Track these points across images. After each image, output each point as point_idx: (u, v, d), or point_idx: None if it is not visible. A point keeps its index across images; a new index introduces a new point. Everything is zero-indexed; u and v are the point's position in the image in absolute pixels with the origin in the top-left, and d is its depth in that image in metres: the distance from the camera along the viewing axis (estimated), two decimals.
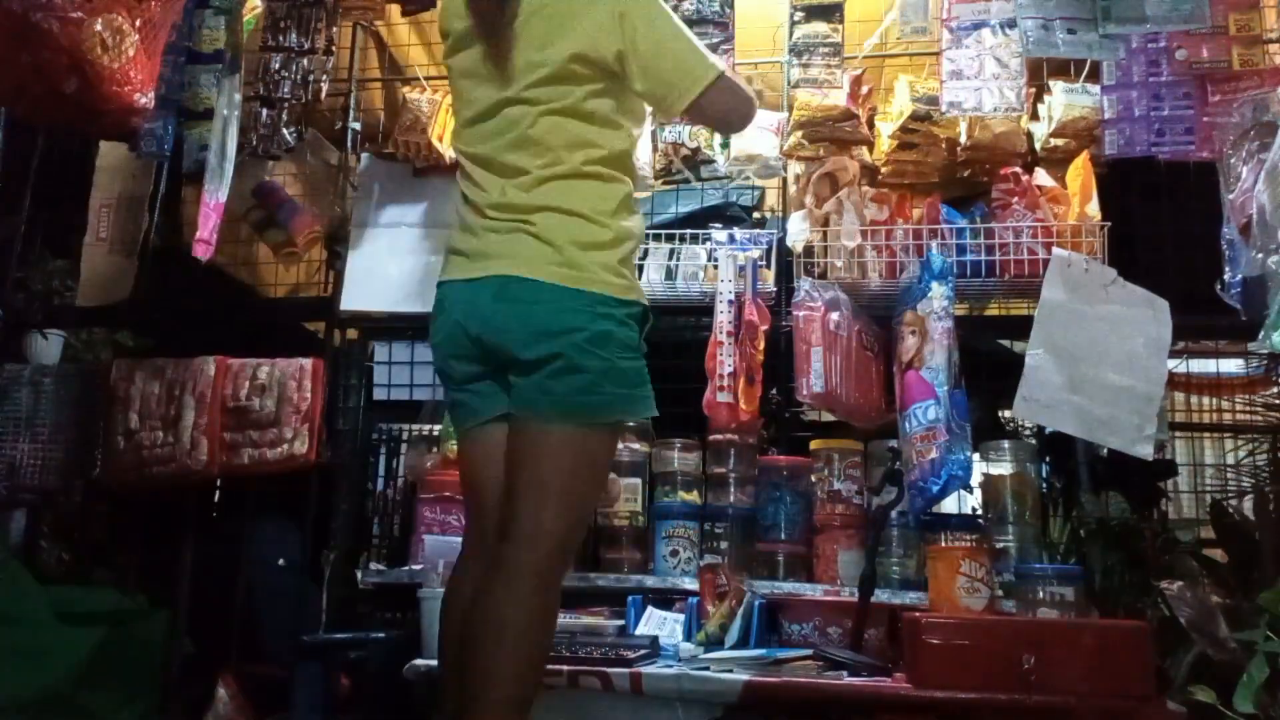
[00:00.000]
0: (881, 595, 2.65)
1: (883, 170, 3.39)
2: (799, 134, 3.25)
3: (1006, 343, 3.32)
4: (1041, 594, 2.36)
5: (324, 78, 3.48)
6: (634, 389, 2.01)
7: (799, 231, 3.15)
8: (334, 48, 3.52)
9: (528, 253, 2.01)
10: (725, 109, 2.19)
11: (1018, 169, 3.11)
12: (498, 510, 2.02)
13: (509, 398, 2.04)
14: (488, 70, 2.11)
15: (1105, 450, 2.94)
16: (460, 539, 2.77)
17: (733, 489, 3.04)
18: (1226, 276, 2.72)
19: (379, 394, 3.74)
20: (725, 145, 3.36)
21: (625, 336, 2.01)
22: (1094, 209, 2.98)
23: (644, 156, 3.37)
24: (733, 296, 3.01)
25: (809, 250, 3.11)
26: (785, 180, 3.48)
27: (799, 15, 3.24)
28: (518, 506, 1.94)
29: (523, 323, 1.98)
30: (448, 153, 3.51)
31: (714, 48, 3.15)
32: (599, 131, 2.08)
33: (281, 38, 3.46)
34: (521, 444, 1.99)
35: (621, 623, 2.66)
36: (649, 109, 2.26)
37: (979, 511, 2.94)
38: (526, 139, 2.06)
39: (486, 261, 2.05)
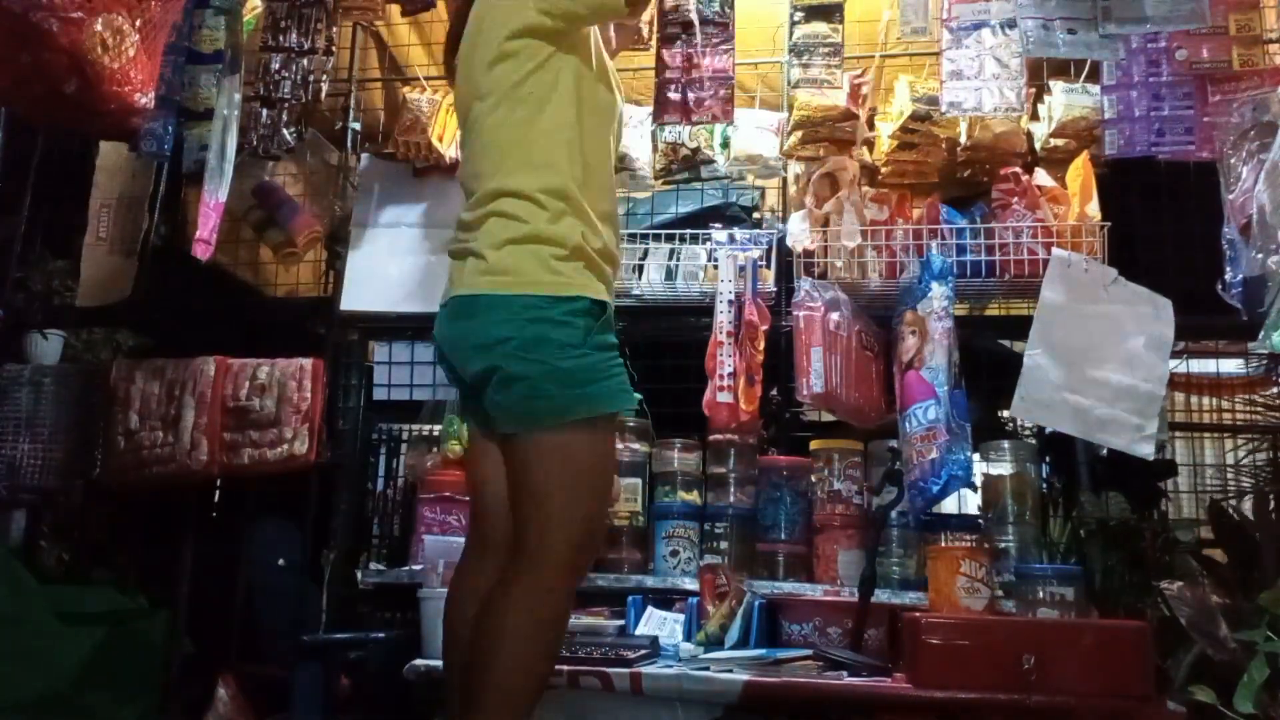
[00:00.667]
0: (881, 595, 2.65)
1: (883, 170, 3.39)
2: (799, 134, 3.25)
3: (1006, 343, 3.32)
4: (1041, 594, 2.37)
5: (324, 78, 3.48)
6: (584, 387, 1.93)
7: (799, 231, 3.15)
8: (334, 48, 3.52)
9: (467, 269, 2.01)
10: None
11: (1018, 169, 3.11)
12: (496, 517, 2.03)
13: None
14: None
15: (1105, 450, 2.93)
16: (460, 539, 2.80)
17: (733, 489, 3.04)
18: (1226, 276, 2.72)
19: (379, 394, 3.74)
20: (725, 145, 3.36)
21: (564, 336, 1.93)
22: (1094, 209, 2.98)
23: (643, 156, 3.38)
24: (733, 297, 3.01)
25: (809, 250, 3.11)
26: (785, 180, 3.48)
27: (799, 15, 3.23)
28: (518, 522, 1.94)
29: (464, 341, 2.00)
30: (448, 153, 3.51)
31: (714, 48, 3.15)
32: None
33: (281, 38, 3.46)
34: (506, 460, 1.99)
35: (621, 623, 2.67)
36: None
37: (979, 511, 2.94)
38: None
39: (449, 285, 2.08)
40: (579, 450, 1.93)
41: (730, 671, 2.16)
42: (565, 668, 2.20)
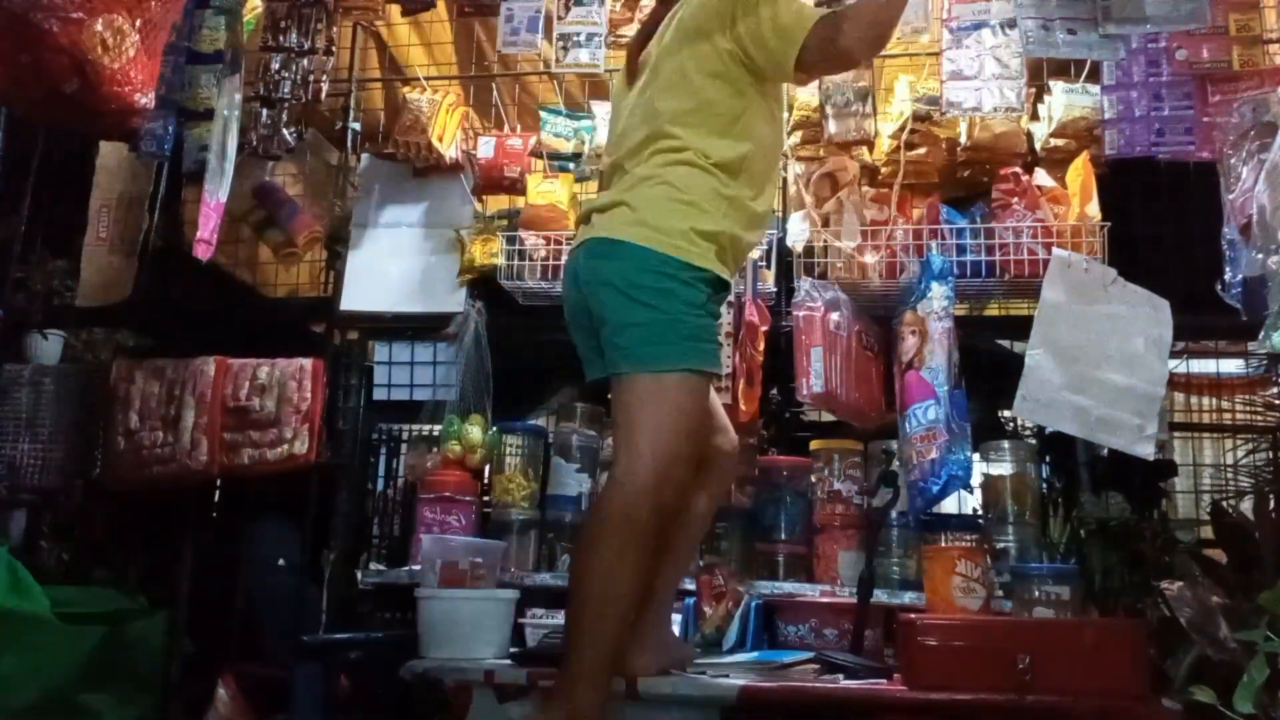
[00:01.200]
0: (880, 595, 2.65)
1: (883, 170, 3.39)
2: (799, 134, 3.24)
3: (1006, 343, 3.32)
4: (1037, 593, 2.36)
5: (324, 78, 3.48)
6: (696, 342, 2.09)
7: (799, 231, 3.15)
8: (334, 48, 3.53)
9: (616, 216, 2.16)
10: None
11: (1018, 169, 3.11)
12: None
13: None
14: None
15: (1105, 450, 2.93)
16: (460, 539, 2.80)
17: (733, 489, 3.03)
18: (1226, 276, 2.72)
19: (379, 394, 3.74)
20: None
21: (689, 295, 2.09)
22: (1094, 209, 2.97)
23: None
24: (733, 297, 3.01)
25: (809, 250, 3.11)
26: (785, 180, 3.47)
27: None
28: (615, 452, 2.12)
29: (597, 277, 2.13)
30: (448, 153, 3.51)
31: None
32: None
33: (281, 38, 3.47)
34: (615, 397, 2.14)
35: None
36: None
37: (979, 511, 2.93)
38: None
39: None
40: (680, 395, 2.07)
41: (727, 676, 2.16)
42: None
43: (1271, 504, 2.87)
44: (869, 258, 3.05)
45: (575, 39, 3.33)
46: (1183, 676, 2.30)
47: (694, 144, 2.14)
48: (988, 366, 3.06)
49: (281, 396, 3.26)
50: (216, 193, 3.15)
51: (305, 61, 3.45)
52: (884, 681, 2.19)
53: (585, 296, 2.17)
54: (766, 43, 2.11)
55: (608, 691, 1.99)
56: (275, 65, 3.45)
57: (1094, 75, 3.11)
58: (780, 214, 3.46)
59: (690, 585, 2.78)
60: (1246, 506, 3.10)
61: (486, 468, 3.22)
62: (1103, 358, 2.72)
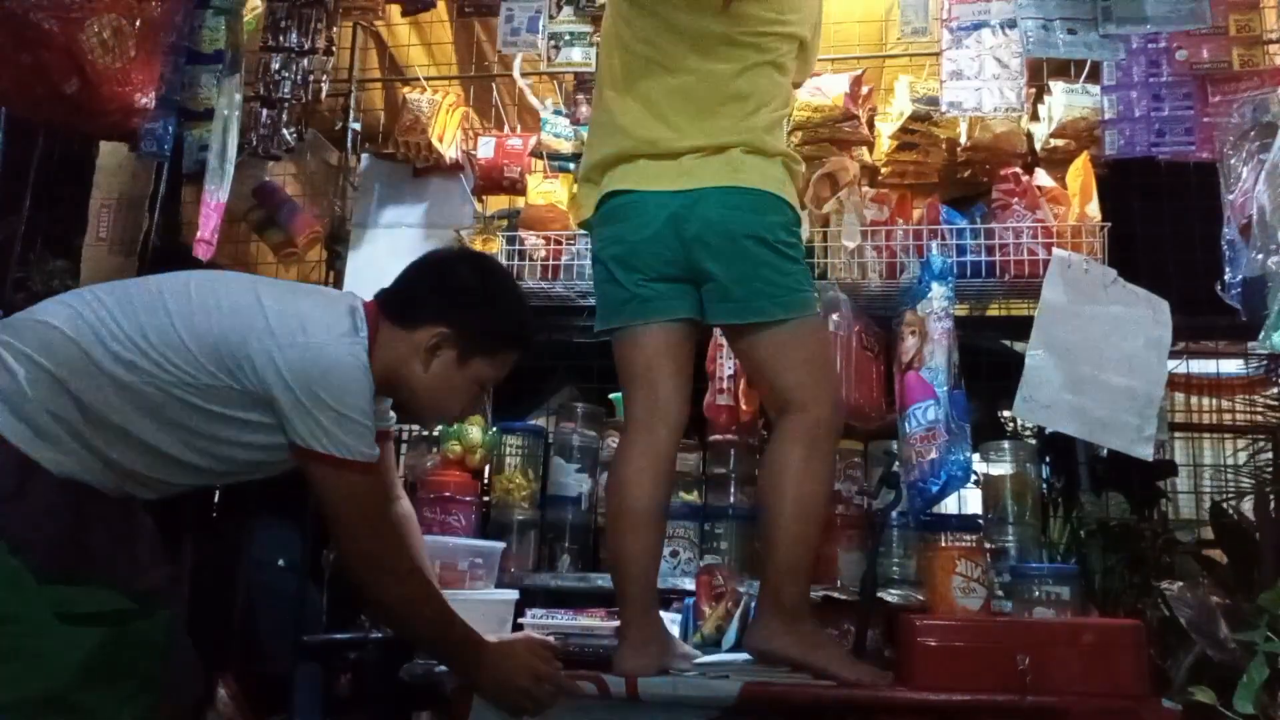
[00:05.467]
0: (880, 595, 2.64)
1: (883, 170, 3.39)
2: (799, 134, 3.24)
3: (1007, 343, 3.32)
4: (1037, 594, 2.36)
5: (324, 78, 3.49)
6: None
7: None
8: (334, 48, 3.53)
9: (748, 163, 2.25)
10: None
11: (1018, 169, 3.11)
12: (672, 398, 2.25)
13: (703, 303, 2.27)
14: None
15: (1105, 450, 2.93)
16: (460, 539, 2.79)
17: (733, 489, 3.03)
18: (1226, 277, 2.72)
19: None
20: None
21: (801, 246, 2.33)
22: (1094, 209, 2.97)
23: None
24: None
25: (809, 250, 3.10)
26: None
27: None
28: (794, 388, 2.21)
29: (736, 228, 2.20)
30: (448, 153, 3.51)
31: None
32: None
33: (282, 38, 3.47)
34: (757, 344, 2.24)
35: (619, 624, 2.66)
36: None
37: (979, 512, 2.93)
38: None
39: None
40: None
41: (726, 676, 2.16)
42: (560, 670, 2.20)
43: (1271, 504, 2.86)
44: (869, 258, 3.05)
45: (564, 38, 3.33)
46: (1182, 677, 2.31)
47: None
48: (988, 366, 3.06)
49: None
50: (216, 193, 3.15)
51: (305, 61, 3.45)
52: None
53: (694, 243, 2.20)
54: None
55: None
56: (275, 65, 3.45)
57: (1094, 75, 3.11)
58: None
59: (690, 585, 2.78)
60: (1246, 506, 3.11)
61: (486, 468, 3.22)
62: (1103, 358, 2.72)
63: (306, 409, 1.94)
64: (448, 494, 3.06)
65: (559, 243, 3.23)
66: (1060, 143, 3.21)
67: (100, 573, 2.02)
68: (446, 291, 2.16)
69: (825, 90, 3.24)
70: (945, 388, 2.68)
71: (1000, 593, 2.54)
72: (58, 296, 2.09)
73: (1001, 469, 2.89)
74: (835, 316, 2.88)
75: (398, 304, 2.14)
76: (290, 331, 1.98)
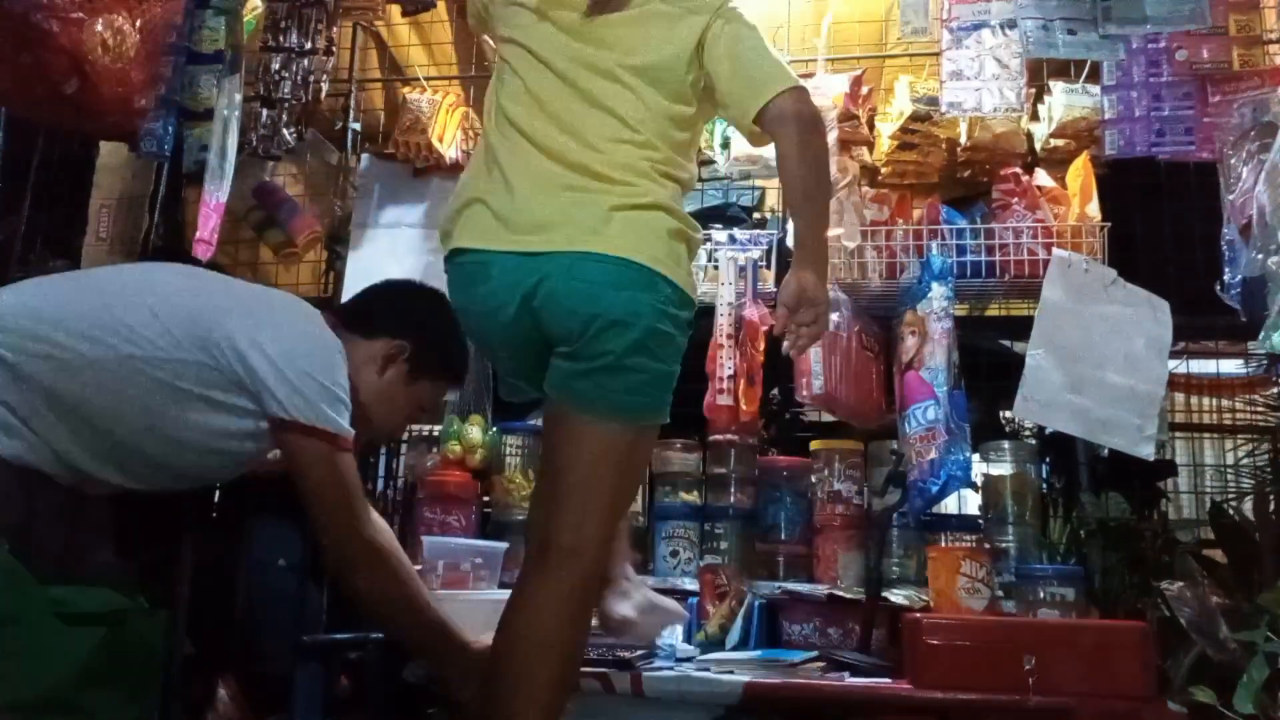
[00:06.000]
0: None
1: (883, 170, 3.39)
2: None
3: (1006, 343, 3.32)
4: (1042, 594, 2.36)
5: (324, 78, 3.48)
6: (669, 396, 1.95)
7: None
8: (334, 48, 3.53)
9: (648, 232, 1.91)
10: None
11: (1018, 169, 3.10)
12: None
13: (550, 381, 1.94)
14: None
15: (1105, 450, 2.93)
16: (461, 539, 2.79)
17: (733, 489, 3.03)
18: (1226, 277, 2.72)
19: None
20: (725, 145, 3.36)
21: (680, 342, 1.93)
22: (1094, 209, 2.97)
23: None
24: (733, 298, 3.01)
25: None
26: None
27: None
28: (562, 505, 1.87)
29: (602, 305, 1.84)
30: (448, 153, 3.51)
31: None
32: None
33: (282, 38, 3.46)
34: (571, 437, 1.90)
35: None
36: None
37: (979, 512, 2.93)
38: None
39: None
40: (645, 453, 1.98)
41: (731, 673, 2.16)
42: None
43: (1271, 504, 2.87)
44: (869, 258, 3.05)
45: None
46: (1183, 677, 2.31)
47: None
48: (988, 366, 3.06)
49: None
50: (216, 193, 3.14)
51: (305, 61, 3.45)
52: (889, 681, 2.19)
53: (550, 317, 1.87)
54: None
55: None
56: (275, 65, 3.44)
57: (1094, 75, 3.12)
58: (780, 214, 3.47)
59: (693, 585, 2.78)
60: (1246, 507, 3.11)
61: (487, 468, 3.22)
62: (1103, 358, 2.73)
63: (292, 383, 1.96)
64: (448, 494, 3.06)
65: None
66: (1060, 143, 3.22)
67: (39, 558, 1.98)
68: (409, 311, 2.22)
69: (825, 90, 3.24)
70: (945, 388, 2.69)
71: (1000, 593, 2.54)
72: (8, 286, 2.10)
73: (1001, 469, 2.89)
74: (835, 316, 2.88)
75: (358, 315, 2.20)
76: (270, 310, 2.04)
